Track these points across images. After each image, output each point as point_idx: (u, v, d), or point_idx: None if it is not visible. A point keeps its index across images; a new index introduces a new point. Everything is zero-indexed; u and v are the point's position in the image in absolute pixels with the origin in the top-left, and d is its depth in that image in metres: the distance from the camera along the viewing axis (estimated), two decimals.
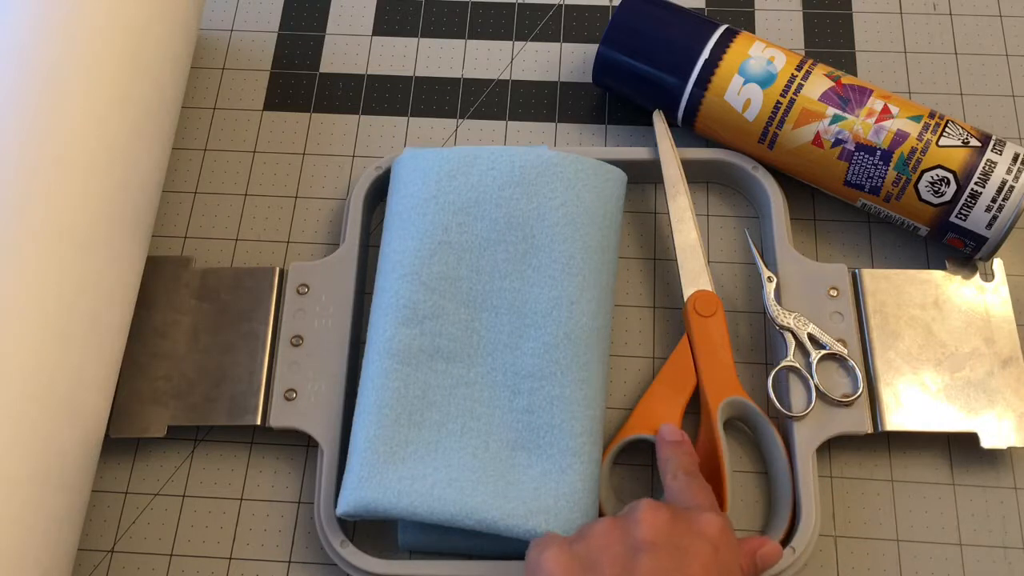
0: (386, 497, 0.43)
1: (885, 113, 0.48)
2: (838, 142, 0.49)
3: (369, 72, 0.59)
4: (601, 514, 0.45)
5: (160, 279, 0.51)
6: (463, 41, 0.60)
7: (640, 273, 0.53)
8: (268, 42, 0.60)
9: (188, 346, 0.50)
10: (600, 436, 0.46)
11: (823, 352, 0.47)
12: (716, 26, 0.52)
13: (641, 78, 0.53)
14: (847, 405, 0.47)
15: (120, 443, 0.50)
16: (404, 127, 0.57)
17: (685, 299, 0.49)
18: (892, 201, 0.49)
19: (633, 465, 0.49)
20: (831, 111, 0.49)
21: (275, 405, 0.48)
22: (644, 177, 0.54)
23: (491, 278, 0.48)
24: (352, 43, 0.60)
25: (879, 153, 0.48)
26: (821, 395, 0.47)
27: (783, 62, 0.50)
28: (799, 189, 0.54)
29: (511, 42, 0.60)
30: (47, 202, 0.42)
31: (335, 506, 0.45)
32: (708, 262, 0.51)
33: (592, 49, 0.59)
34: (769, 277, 0.49)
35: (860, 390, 0.47)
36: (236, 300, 0.51)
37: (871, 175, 0.49)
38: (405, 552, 0.47)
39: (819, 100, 0.49)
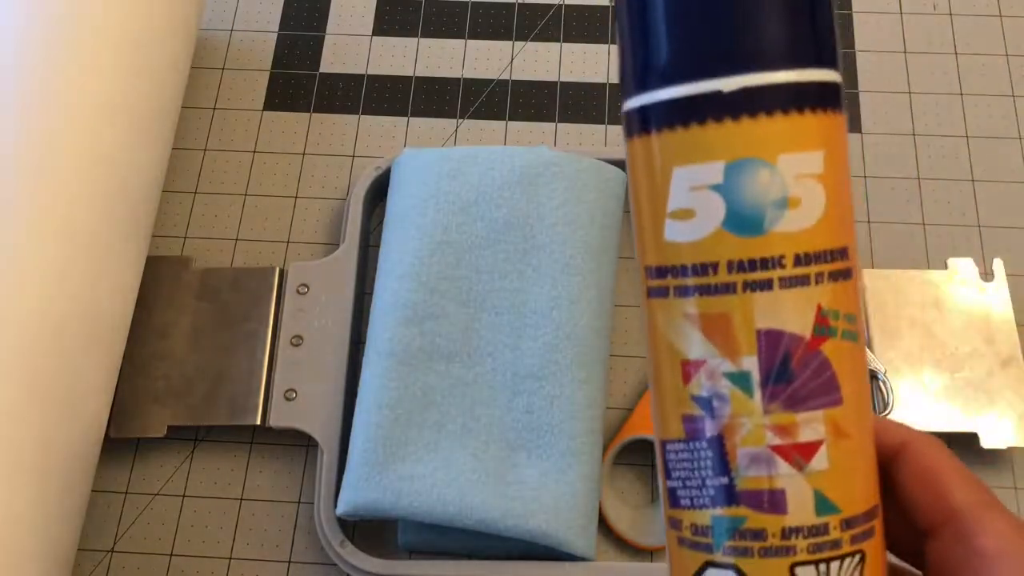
0: (386, 497, 0.43)
1: None
2: None
3: (369, 72, 0.59)
4: (601, 515, 0.45)
5: (160, 279, 0.51)
6: (463, 41, 0.60)
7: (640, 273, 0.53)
8: (268, 42, 0.60)
9: (188, 346, 0.50)
10: (600, 436, 0.46)
11: None
12: None
13: None
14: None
15: (120, 443, 0.50)
16: (404, 127, 0.57)
17: None
18: None
19: (633, 465, 0.49)
20: None
21: (275, 405, 0.48)
22: None
23: (491, 278, 0.48)
24: (352, 43, 0.60)
25: None
26: None
27: None
28: None
29: (511, 42, 0.60)
30: (47, 202, 0.42)
31: (335, 506, 0.45)
32: None
33: (592, 49, 0.59)
34: None
35: (889, 408, 0.46)
36: (236, 300, 0.51)
37: None
38: (405, 552, 0.47)
39: None
